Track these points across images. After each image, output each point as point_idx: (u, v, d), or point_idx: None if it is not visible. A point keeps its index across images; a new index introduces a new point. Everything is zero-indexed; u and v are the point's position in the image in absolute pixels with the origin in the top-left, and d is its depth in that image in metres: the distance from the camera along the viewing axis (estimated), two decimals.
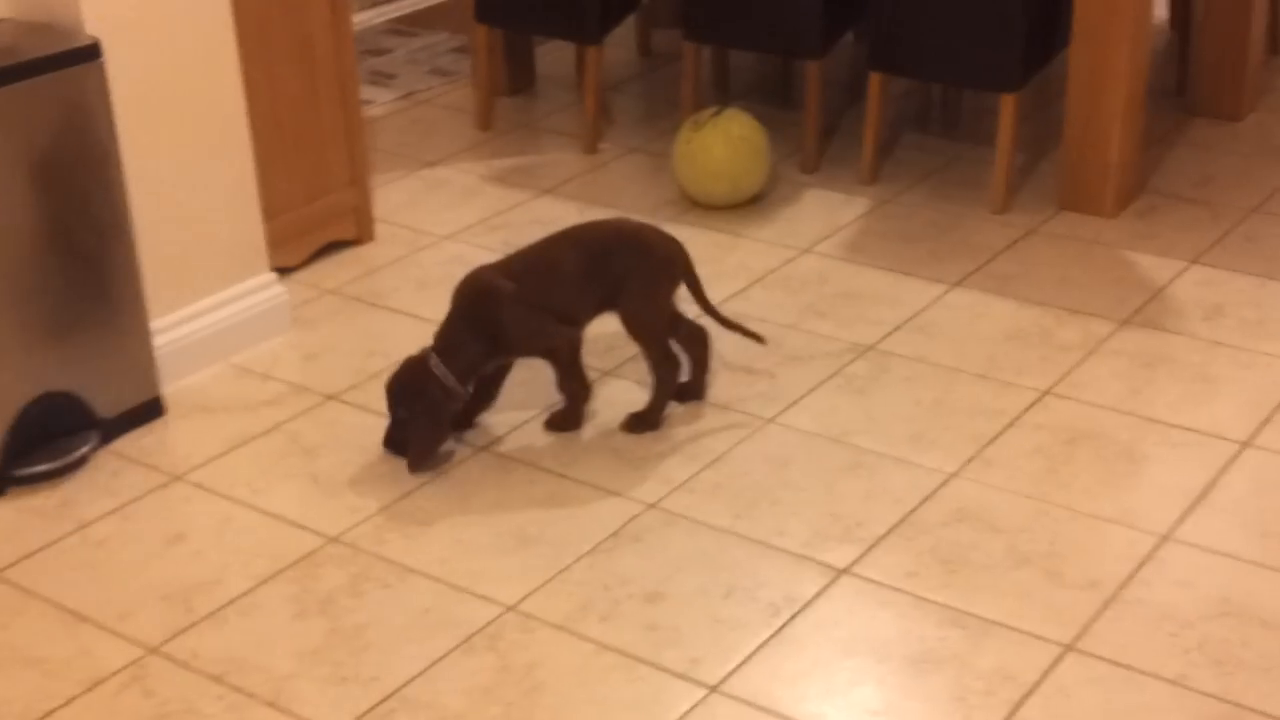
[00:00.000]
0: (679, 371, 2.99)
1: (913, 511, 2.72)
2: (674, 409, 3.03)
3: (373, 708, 2.30)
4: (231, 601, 2.53)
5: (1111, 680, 2.33)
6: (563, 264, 2.89)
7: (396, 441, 2.88)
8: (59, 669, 2.38)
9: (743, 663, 2.38)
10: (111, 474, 2.87)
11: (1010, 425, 2.97)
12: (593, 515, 2.74)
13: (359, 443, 2.94)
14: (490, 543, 2.67)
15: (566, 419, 2.98)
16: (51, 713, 2.30)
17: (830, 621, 2.46)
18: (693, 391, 3.06)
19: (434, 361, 2.81)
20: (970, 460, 2.87)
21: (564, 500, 2.78)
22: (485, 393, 2.98)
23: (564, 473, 2.86)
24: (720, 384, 3.13)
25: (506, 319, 2.84)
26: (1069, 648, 2.39)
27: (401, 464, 2.87)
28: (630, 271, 2.90)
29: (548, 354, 2.92)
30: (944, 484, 2.80)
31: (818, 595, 2.52)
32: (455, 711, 2.29)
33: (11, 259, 2.73)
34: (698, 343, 3.04)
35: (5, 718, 2.28)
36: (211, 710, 2.30)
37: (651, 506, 2.75)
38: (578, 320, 2.93)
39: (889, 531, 2.67)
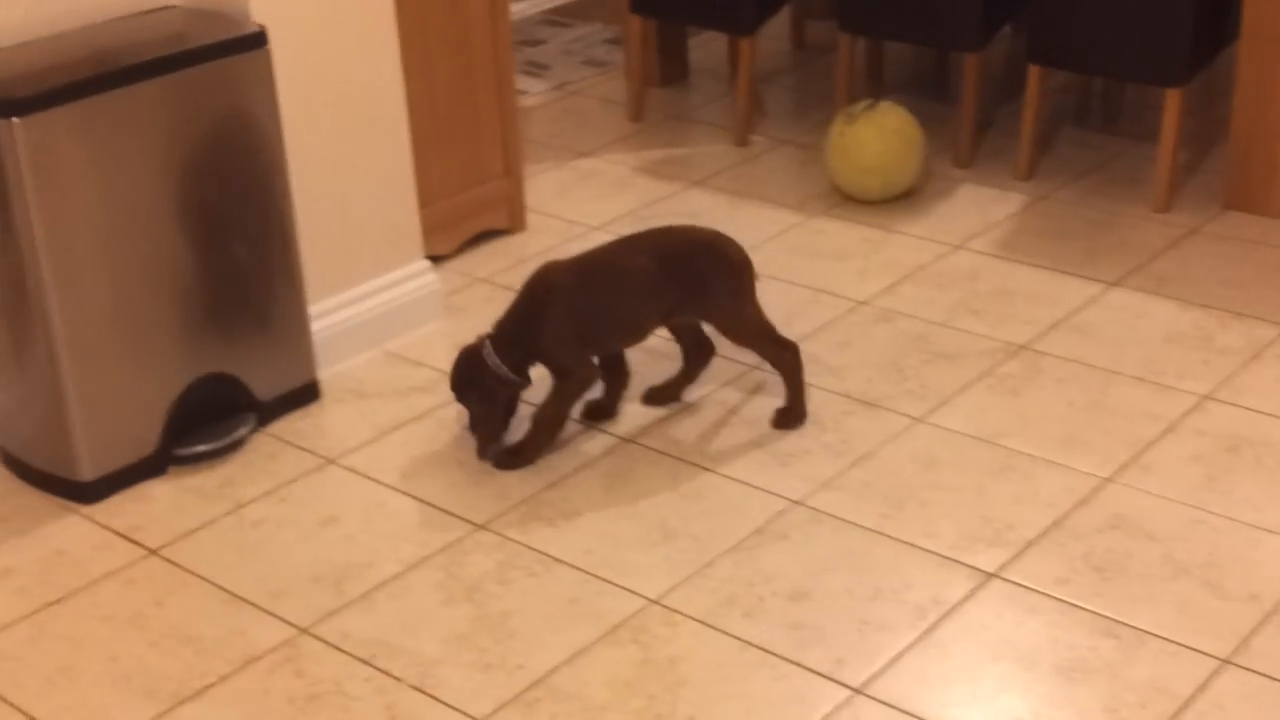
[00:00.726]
0: (799, 355, 2.95)
1: (1065, 516, 2.67)
2: (830, 408, 3.01)
3: (517, 696, 2.32)
4: (381, 585, 2.57)
5: (1270, 696, 2.26)
6: (632, 271, 2.84)
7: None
8: (213, 646, 2.44)
9: (888, 665, 2.36)
10: (268, 456, 2.93)
11: (1169, 430, 2.90)
12: (738, 510, 2.73)
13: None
14: (635, 535, 2.67)
15: (520, 452, 2.88)
16: (206, 689, 2.36)
17: (978, 626, 2.43)
18: (669, 394, 3.05)
19: (487, 350, 2.80)
20: (1126, 465, 2.80)
21: (709, 494, 2.77)
22: (615, 376, 2.98)
23: (709, 466, 2.85)
24: (869, 381, 3.10)
25: (548, 324, 2.80)
26: (1226, 661, 2.33)
27: (550, 454, 2.89)
28: (711, 280, 2.86)
29: (560, 375, 2.85)
30: (1098, 489, 2.74)
31: (966, 599, 2.49)
32: (599, 702, 2.30)
33: (178, 243, 2.80)
34: (699, 357, 3.04)
35: (161, 694, 2.35)
36: (360, 692, 2.34)
37: (797, 503, 2.74)
38: (641, 329, 2.89)
39: (1040, 536, 2.62)
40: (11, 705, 2.32)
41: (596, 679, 2.35)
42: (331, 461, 2.92)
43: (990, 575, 2.54)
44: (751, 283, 2.92)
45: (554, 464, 2.87)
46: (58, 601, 2.55)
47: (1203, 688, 2.28)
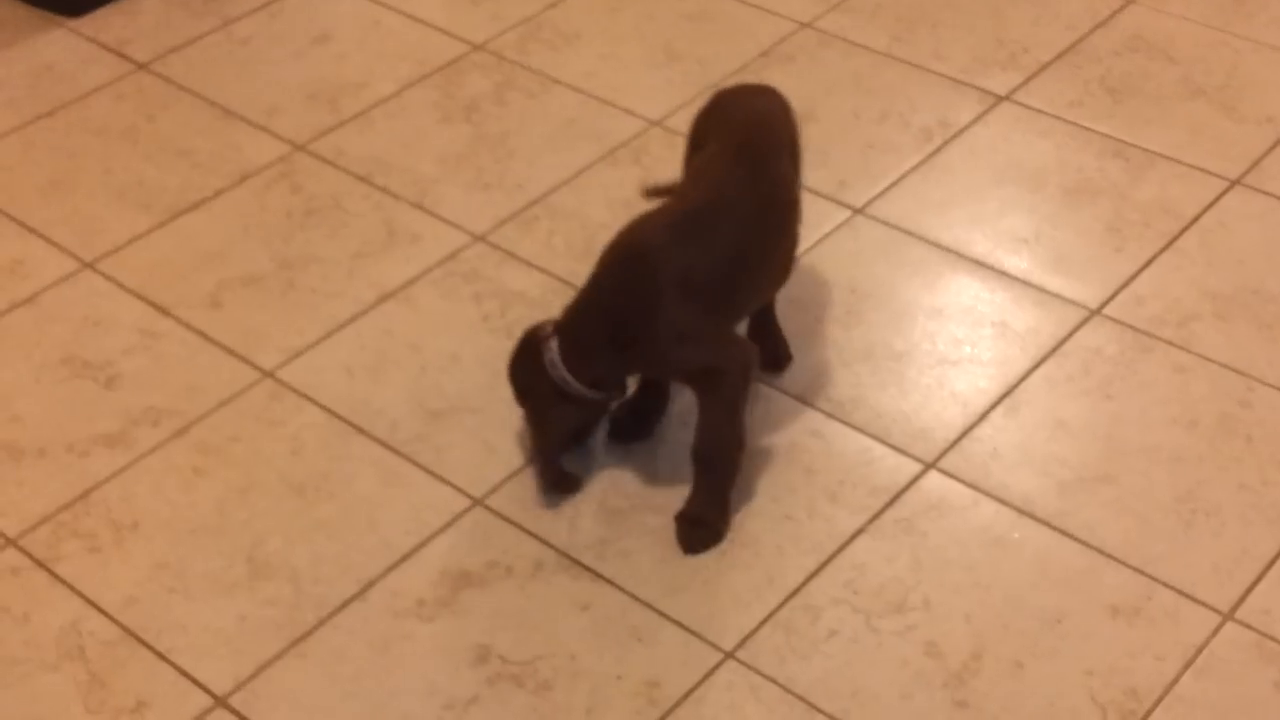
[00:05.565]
0: None
1: (1084, 38, 2.58)
2: None
3: (516, 214, 2.30)
4: (377, 104, 2.51)
5: (1276, 216, 2.23)
6: (735, 202, 1.87)
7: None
8: (208, 161, 2.41)
9: (890, 186, 2.32)
10: None
11: None
12: (745, 33, 2.64)
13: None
14: (637, 57, 2.59)
15: (705, 521, 1.88)
16: (202, 203, 2.34)
17: (985, 148, 2.38)
18: None
19: (550, 353, 1.86)
20: None
21: (716, 17, 2.68)
22: (652, 398, 2.02)
23: None
24: None
25: (661, 315, 1.81)
26: (1235, 182, 2.29)
27: None
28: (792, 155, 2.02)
29: (712, 376, 1.84)
30: (1120, 10, 2.64)
31: (974, 121, 2.43)
32: (598, 220, 2.28)
33: None
34: None
35: (157, 206, 2.33)
36: (358, 208, 2.32)
37: (805, 26, 2.64)
38: (763, 290, 1.97)
39: (1056, 59, 2.54)
40: (7, 215, 2.31)
41: (596, 199, 2.32)
42: None
43: (1001, 98, 2.47)
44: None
45: None
46: (48, 114, 2.50)
47: (1209, 207, 2.25)
